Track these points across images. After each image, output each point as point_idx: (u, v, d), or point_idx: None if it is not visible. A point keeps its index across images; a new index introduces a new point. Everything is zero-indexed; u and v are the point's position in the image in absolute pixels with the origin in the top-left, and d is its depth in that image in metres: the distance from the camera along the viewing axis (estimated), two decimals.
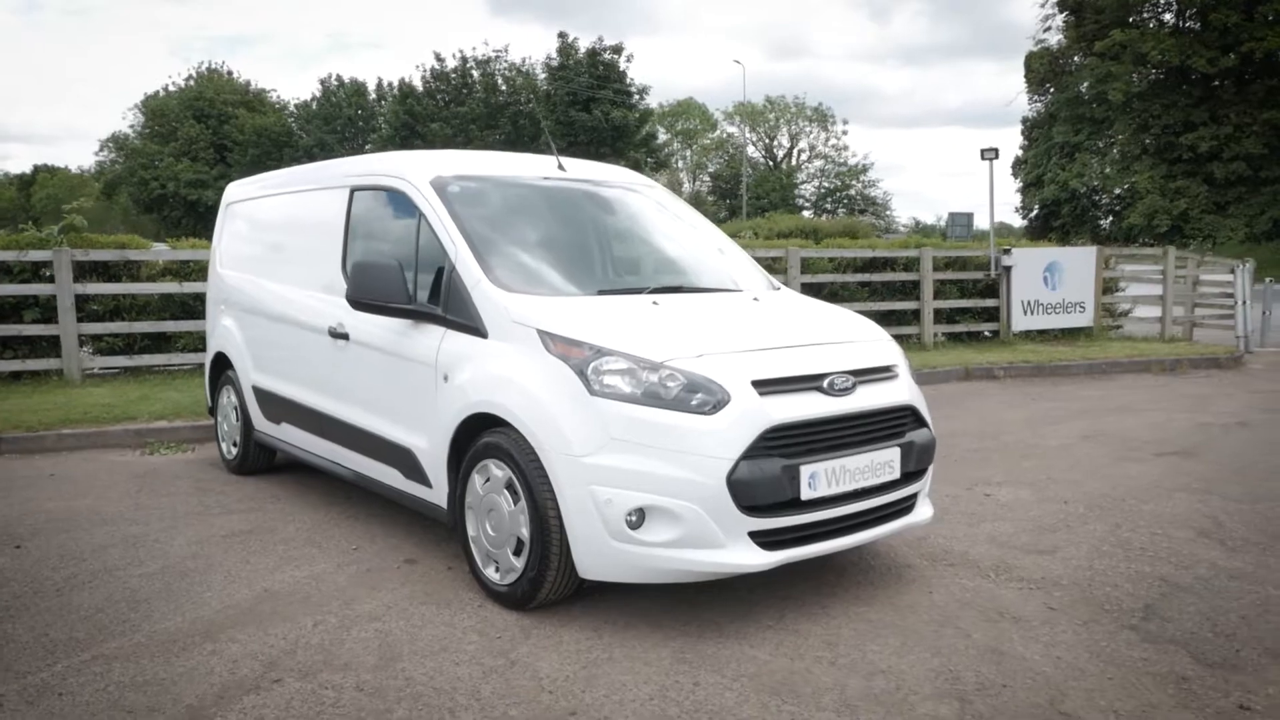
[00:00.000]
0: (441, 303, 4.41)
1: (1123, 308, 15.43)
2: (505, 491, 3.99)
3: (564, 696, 3.28)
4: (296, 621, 3.96)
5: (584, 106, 41.45)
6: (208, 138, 56.36)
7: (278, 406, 5.86)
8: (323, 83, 57.15)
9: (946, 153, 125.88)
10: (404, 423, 4.61)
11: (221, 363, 6.63)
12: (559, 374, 3.83)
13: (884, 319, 12.93)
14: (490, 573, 4.12)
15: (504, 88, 47.54)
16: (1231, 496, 5.87)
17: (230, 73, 61.54)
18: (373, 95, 55.68)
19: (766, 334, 4.13)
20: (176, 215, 57.18)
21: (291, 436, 5.78)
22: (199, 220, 56.81)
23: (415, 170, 4.82)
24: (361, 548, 4.93)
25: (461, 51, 47.90)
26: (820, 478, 3.78)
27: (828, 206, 57.87)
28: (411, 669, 3.51)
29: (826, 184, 60.48)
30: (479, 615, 4.00)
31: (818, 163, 61.55)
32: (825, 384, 3.90)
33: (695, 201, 37.99)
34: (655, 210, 5.40)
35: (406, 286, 4.46)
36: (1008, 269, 13.32)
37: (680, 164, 63.15)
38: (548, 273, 4.50)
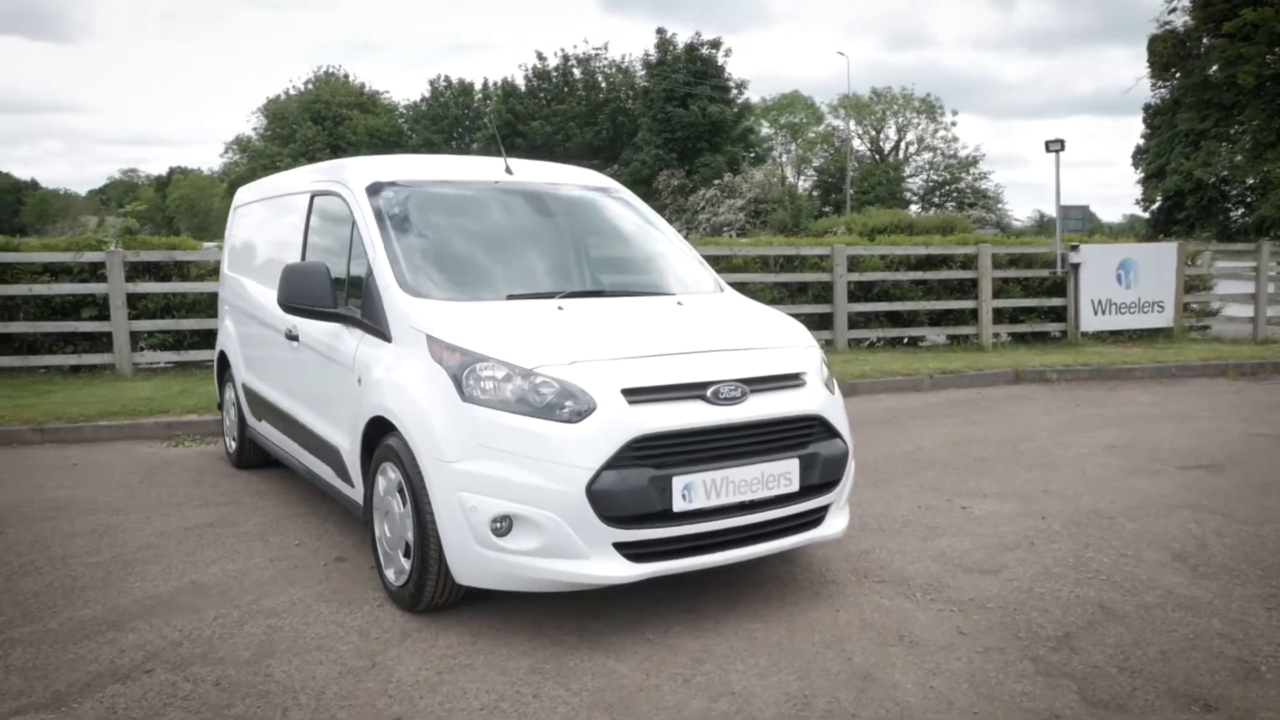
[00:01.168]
0: (361, 307, 4.49)
1: (1214, 306, 14.48)
2: (397, 494, 4.04)
3: (400, 701, 3.30)
4: (201, 614, 4.10)
5: (681, 102, 41.40)
6: (323, 139, 58.65)
7: (259, 404, 6.07)
8: (432, 84, 58.82)
9: (1075, 143, 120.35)
10: (333, 422, 4.72)
11: (223, 361, 6.90)
12: (438, 379, 3.85)
13: (940, 318, 12.53)
14: (389, 574, 4.17)
15: (604, 85, 47.90)
16: (1237, 517, 5.44)
17: (347, 76, 63.97)
18: (479, 95, 56.94)
19: (662, 340, 4.04)
20: None
21: (268, 433, 5.98)
22: None
23: (355, 176, 4.91)
24: (304, 544, 5.06)
25: (563, 50, 48.57)
26: (697, 489, 3.68)
27: (935, 200, 56.16)
28: (277, 666, 3.58)
29: (935, 177, 58.75)
30: (371, 616, 4.06)
31: (926, 155, 59.91)
32: (709, 393, 3.79)
33: (796, 197, 37.43)
34: (605, 212, 5.35)
35: (331, 291, 4.55)
36: (1076, 266, 12.67)
37: (784, 158, 62.44)
38: (461, 278, 4.51)
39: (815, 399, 4.09)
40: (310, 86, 62.06)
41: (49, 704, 3.32)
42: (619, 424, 3.61)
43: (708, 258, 11.79)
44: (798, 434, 4.01)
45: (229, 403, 6.90)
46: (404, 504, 3.97)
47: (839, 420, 4.20)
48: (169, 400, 8.73)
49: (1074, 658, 3.65)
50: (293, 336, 5.20)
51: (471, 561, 3.69)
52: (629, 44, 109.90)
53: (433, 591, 3.90)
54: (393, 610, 4.11)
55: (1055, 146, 12.45)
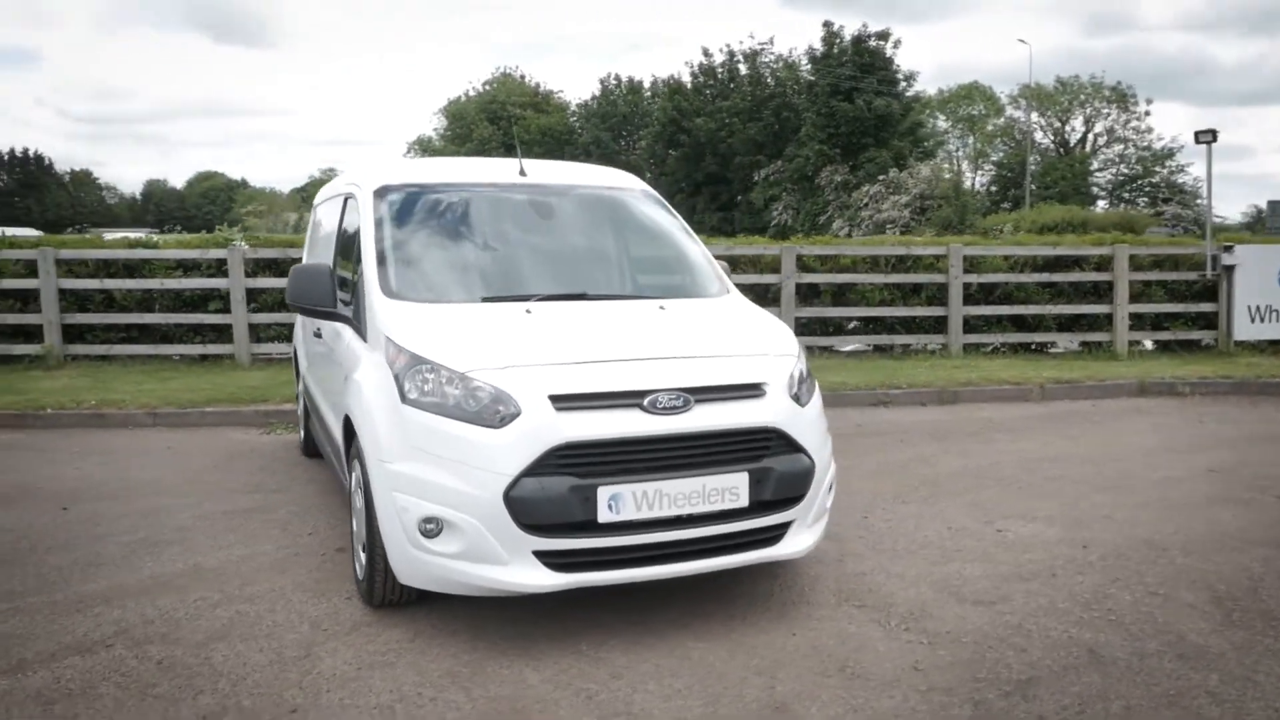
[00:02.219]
0: (352, 307, 4.63)
1: None
2: (359, 491, 4.14)
3: (307, 693, 3.39)
4: (185, 596, 4.34)
5: (846, 96, 40.34)
6: (499, 138, 60.76)
7: (307, 396, 6.38)
8: (602, 82, 59.91)
9: None
10: (335, 417, 4.90)
11: (296, 354, 7.29)
12: (386, 380, 3.92)
13: (1071, 324, 11.71)
14: (357, 568, 4.29)
15: (770, 81, 47.35)
16: None
17: (523, 76, 66.09)
18: (647, 93, 57.54)
19: (616, 346, 3.95)
20: None
21: (314, 424, 6.27)
22: None
23: (368, 179, 5.06)
24: (316, 533, 5.27)
25: (729, 45, 48.34)
26: (625, 500, 3.59)
27: (1125, 196, 52.26)
28: (221, 650, 3.75)
29: (1125, 170, 54.71)
30: (334, 608, 4.18)
31: (1117, 147, 55.82)
32: (646, 401, 3.68)
33: (962, 192, 35.74)
34: (617, 214, 5.29)
35: (332, 291, 4.72)
36: (1229, 269, 11.50)
37: (960, 152, 59.81)
38: (441, 280, 4.57)
39: (773, 411, 3.90)
40: (487, 87, 64.52)
41: (8, 670, 3.60)
42: (542, 431, 3.56)
43: (815, 258, 11.56)
44: (749, 447, 3.84)
45: (300, 394, 7.28)
46: (363, 501, 4.07)
47: (804, 433, 3.98)
48: (272, 389, 9.28)
49: (1021, 705, 3.32)
50: (318, 334, 5.43)
51: (407, 562, 3.74)
52: (798, 38, 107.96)
53: (381, 589, 3.98)
54: (356, 603, 4.22)
55: (1206, 138, 11.34)
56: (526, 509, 3.52)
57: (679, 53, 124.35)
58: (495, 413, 3.61)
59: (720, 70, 48.71)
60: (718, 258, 11.33)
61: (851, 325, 11.97)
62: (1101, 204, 50.00)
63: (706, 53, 48.83)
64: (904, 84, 42.33)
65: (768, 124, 45.48)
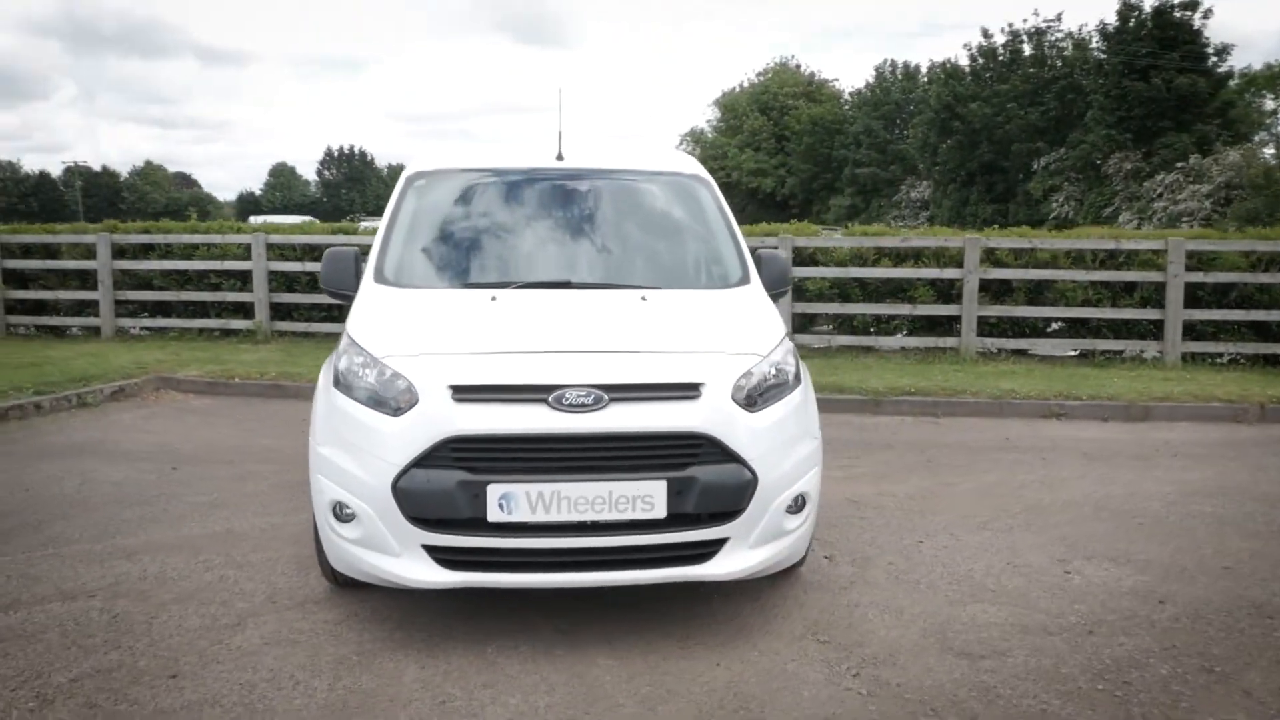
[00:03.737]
0: None
1: None
2: None
3: (201, 660, 3.48)
4: (194, 557, 4.63)
5: (1141, 75, 36.19)
6: (769, 129, 60.60)
7: None
8: (877, 69, 57.88)
9: None
10: None
11: None
12: (330, 363, 3.95)
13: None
14: None
15: (1058, 61, 43.57)
16: None
17: (798, 65, 65.30)
18: (923, 78, 54.89)
19: (551, 337, 3.73)
20: (741, 202, 62.61)
21: None
22: (760, 207, 61.58)
23: (413, 165, 5.14)
24: None
25: (1010, 25, 44.97)
26: (519, 500, 3.37)
27: None
28: (171, 611, 3.96)
29: None
30: (305, 581, 4.28)
31: None
32: (552, 397, 3.43)
33: (1275, 181, 30.97)
34: (651, 200, 5.00)
35: (355, 275, 4.83)
36: None
37: None
38: (431, 266, 4.53)
39: (704, 415, 3.51)
40: (760, 78, 64.38)
41: (2, 607, 4.00)
42: (436, 421, 3.43)
43: (1007, 251, 10.43)
44: (670, 453, 3.48)
45: None
46: None
47: (746, 442, 3.55)
48: None
49: None
50: None
51: (328, 544, 3.75)
52: (1089, 13, 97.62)
53: (323, 569, 4.03)
54: (321, 580, 4.29)
55: None
56: (413, 501, 3.41)
57: (965, 38, 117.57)
58: (396, 400, 3.53)
59: (1001, 52, 45.47)
60: (892, 250, 10.47)
61: (1052, 327, 10.74)
62: None
63: (986, 33, 45.76)
64: (1214, 59, 37.35)
65: (1049, 108, 41.92)
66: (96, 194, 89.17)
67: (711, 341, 3.79)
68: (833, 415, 8.39)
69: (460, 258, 4.61)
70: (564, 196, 4.90)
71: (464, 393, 3.47)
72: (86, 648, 3.61)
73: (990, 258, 10.39)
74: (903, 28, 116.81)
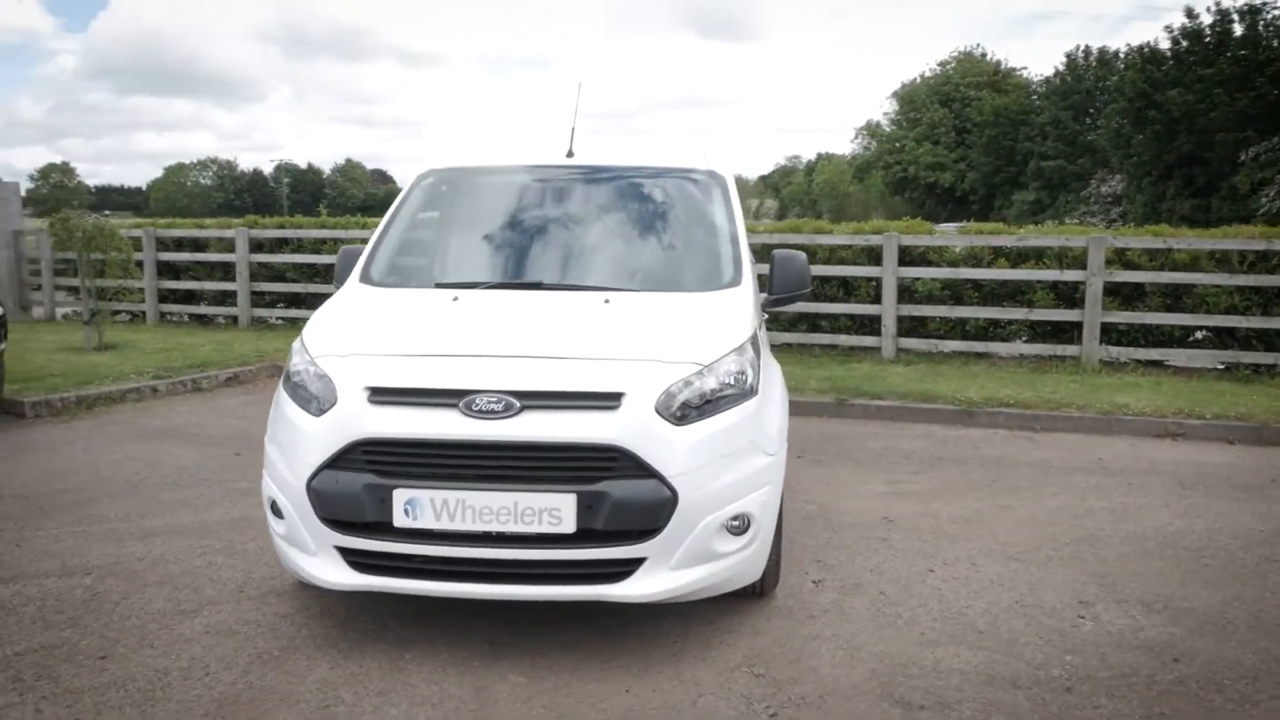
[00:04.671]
0: None
1: None
2: None
3: (138, 644, 3.61)
4: (198, 543, 4.83)
5: None
6: (949, 121, 58.05)
7: None
8: (1069, 55, 54.28)
9: None
10: None
11: None
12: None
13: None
14: None
15: (1273, 42, 39.46)
16: None
17: (983, 54, 62.19)
18: (1120, 64, 51.00)
19: (482, 340, 3.64)
20: (919, 197, 60.36)
21: None
22: (938, 202, 59.23)
23: (429, 164, 5.17)
24: None
25: (1218, 3, 40.93)
26: (423, 507, 3.31)
27: None
28: (145, 594, 4.14)
29: None
30: (279, 575, 4.35)
31: None
32: (462, 403, 3.34)
33: None
34: (651, 198, 4.81)
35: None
36: None
37: None
38: (412, 266, 4.55)
39: (621, 426, 3.32)
40: (942, 68, 61.75)
41: (5, 579, 4.29)
42: (349, 423, 3.41)
43: (1140, 252, 9.47)
44: (583, 466, 3.32)
45: None
46: None
47: (667, 457, 3.33)
48: None
49: None
50: None
51: (271, 537, 3.81)
52: None
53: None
54: None
55: None
56: (324, 502, 3.40)
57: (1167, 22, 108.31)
58: (320, 400, 3.53)
59: (1207, 34, 41.62)
60: (1011, 249, 9.73)
61: (1195, 336, 9.70)
62: None
63: (1191, 13, 41.98)
64: None
65: (1262, 93, 38.01)
66: (302, 190, 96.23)
67: (648, 349, 3.59)
68: (913, 426, 7.91)
69: (442, 257, 4.60)
70: (561, 195, 4.79)
71: (379, 395, 3.44)
72: (49, 623, 3.82)
73: (1120, 259, 9.49)
74: (1111, 9, 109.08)
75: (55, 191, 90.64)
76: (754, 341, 3.89)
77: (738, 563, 3.58)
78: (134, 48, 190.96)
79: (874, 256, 10.28)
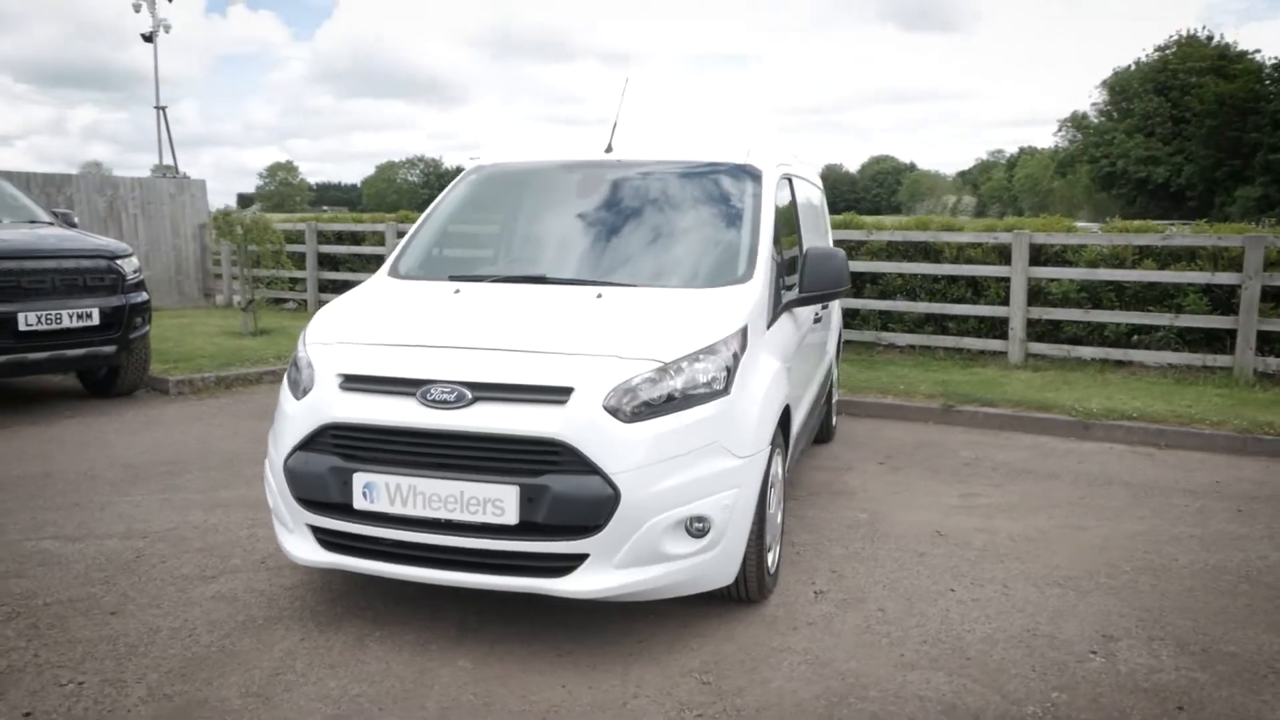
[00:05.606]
0: None
1: None
2: None
3: (122, 617, 3.92)
4: (237, 513, 5.14)
5: None
6: (1166, 111, 53.60)
7: None
8: None
9: None
10: None
11: None
12: None
13: None
14: None
15: None
16: None
17: (1210, 38, 56.98)
18: None
19: (455, 332, 3.72)
20: (1128, 193, 56.14)
21: None
22: (1150, 199, 54.90)
23: (476, 159, 5.34)
24: None
25: None
26: (379, 491, 3.43)
27: None
28: (180, 558, 4.48)
29: None
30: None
31: None
32: (419, 392, 3.44)
33: None
34: (679, 193, 4.73)
35: None
36: None
37: None
38: (433, 259, 4.66)
39: (565, 421, 3.31)
40: (1160, 54, 57.06)
41: (75, 538, 4.77)
42: (321, 407, 3.58)
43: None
44: (527, 459, 3.33)
45: None
46: None
47: (609, 454, 3.29)
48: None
49: None
50: None
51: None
52: None
53: None
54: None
55: None
56: (296, 482, 3.59)
57: None
58: (303, 385, 3.73)
59: None
60: (1161, 249, 9.00)
61: None
62: None
63: None
64: None
65: None
66: None
67: (607, 345, 3.55)
68: (1021, 436, 7.41)
69: (465, 250, 4.71)
70: (587, 190, 4.82)
71: (350, 381, 3.59)
72: (88, 580, 4.22)
73: None
74: None
75: (280, 188, 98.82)
76: (740, 340, 3.78)
77: (695, 566, 3.50)
78: (355, 54, 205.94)
79: (1004, 255, 9.68)
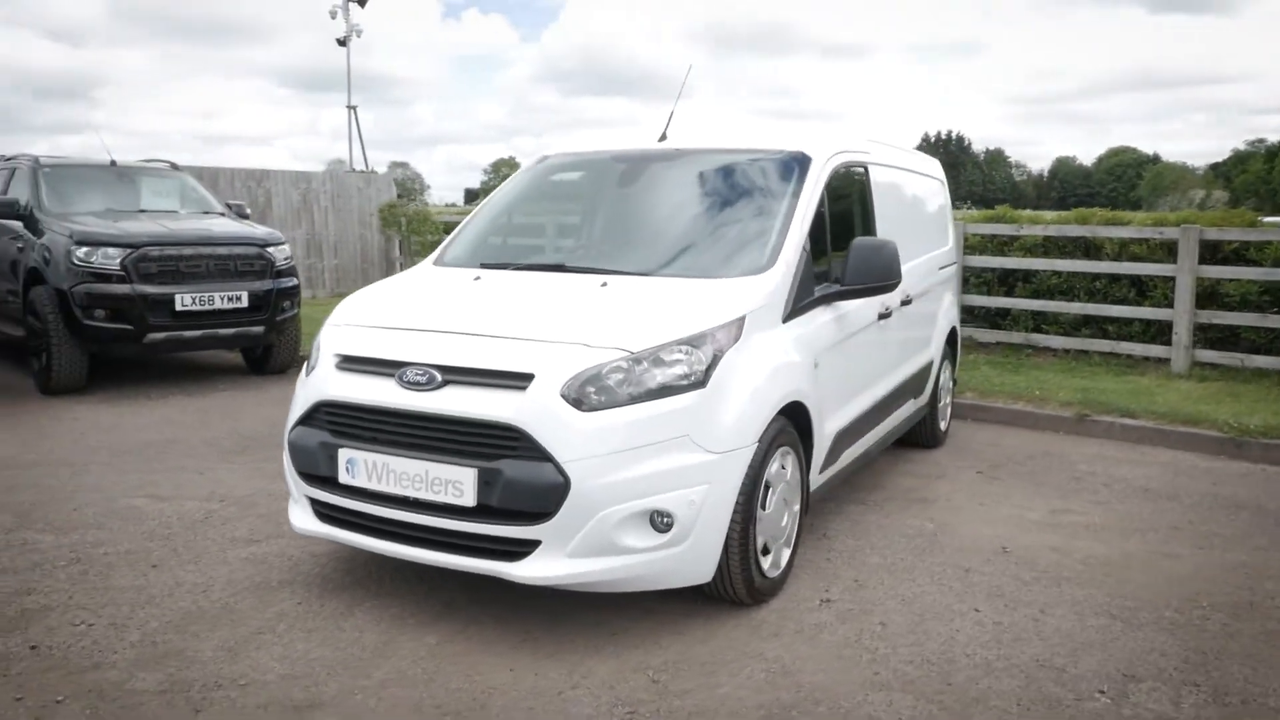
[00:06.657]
0: None
1: None
2: None
3: (129, 590, 4.27)
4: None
5: None
6: None
7: None
8: None
9: None
10: None
11: None
12: None
13: None
14: None
15: None
16: None
17: None
18: None
19: (457, 318, 3.80)
20: None
21: None
22: None
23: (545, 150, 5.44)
24: None
25: None
26: (359, 467, 3.59)
27: None
28: (234, 523, 4.85)
29: None
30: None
31: None
32: (397, 374, 3.56)
33: None
34: (719, 183, 4.61)
35: None
36: None
37: None
38: (473, 247, 4.76)
39: (520, 406, 3.32)
40: None
41: (164, 498, 5.25)
42: (319, 385, 3.78)
43: None
44: (483, 442, 3.38)
45: None
46: None
47: (562, 442, 3.28)
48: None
49: None
50: None
51: None
52: None
53: None
54: None
55: None
56: (295, 454, 3.81)
57: None
58: (311, 363, 3.94)
59: None
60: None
61: None
62: None
63: None
64: None
65: None
66: None
67: (576, 332, 3.53)
68: (1159, 452, 6.76)
69: (500, 238, 4.81)
70: (629, 179, 4.82)
71: (346, 362, 3.77)
72: (152, 535, 4.64)
73: None
74: None
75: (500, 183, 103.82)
76: (732, 331, 3.65)
77: (658, 560, 3.42)
78: (578, 54, 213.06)
79: (1172, 252, 8.77)
